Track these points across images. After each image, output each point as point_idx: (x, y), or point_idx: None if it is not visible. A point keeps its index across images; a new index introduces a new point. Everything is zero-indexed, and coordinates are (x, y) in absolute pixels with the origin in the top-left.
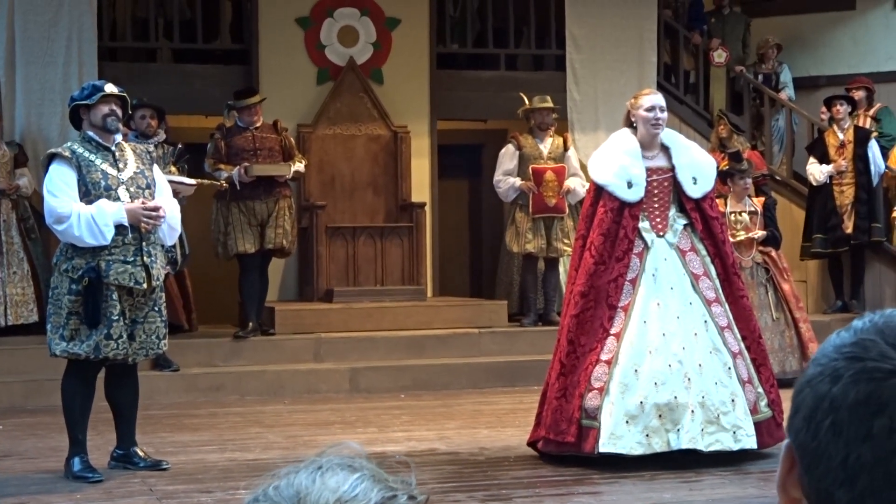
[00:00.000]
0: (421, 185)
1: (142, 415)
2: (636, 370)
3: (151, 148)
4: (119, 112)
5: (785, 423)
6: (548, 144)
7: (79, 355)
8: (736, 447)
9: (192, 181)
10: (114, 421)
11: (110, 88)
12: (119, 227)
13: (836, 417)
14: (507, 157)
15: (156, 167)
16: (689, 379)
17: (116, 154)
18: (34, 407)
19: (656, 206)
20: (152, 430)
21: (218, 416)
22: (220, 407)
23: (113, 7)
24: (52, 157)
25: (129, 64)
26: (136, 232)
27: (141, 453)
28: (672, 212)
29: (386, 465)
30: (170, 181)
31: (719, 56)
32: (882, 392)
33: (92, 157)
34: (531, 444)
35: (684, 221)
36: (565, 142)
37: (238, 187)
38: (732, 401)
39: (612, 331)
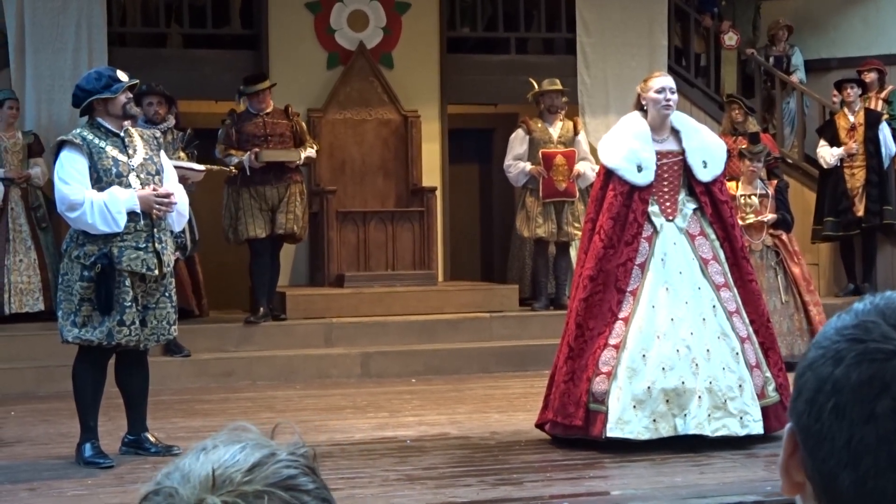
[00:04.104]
0: (431, 169)
1: (153, 400)
2: (644, 355)
3: (158, 133)
4: (132, 97)
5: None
6: (558, 128)
7: (91, 342)
8: (742, 433)
9: (201, 167)
10: (125, 407)
11: (124, 77)
12: (131, 214)
13: (839, 399)
14: (518, 141)
15: (162, 152)
16: (696, 364)
17: (126, 140)
18: (45, 393)
19: (666, 189)
20: (163, 415)
21: (229, 401)
22: (232, 392)
23: None
24: (62, 145)
25: (139, 49)
26: (147, 218)
27: (152, 439)
28: (682, 196)
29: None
30: (179, 167)
31: (730, 39)
32: (884, 373)
33: (102, 144)
34: (538, 426)
35: (694, 205)
36: (575, 126)
37: (248, 173)
38: (740, 386)
39: (621, 315)
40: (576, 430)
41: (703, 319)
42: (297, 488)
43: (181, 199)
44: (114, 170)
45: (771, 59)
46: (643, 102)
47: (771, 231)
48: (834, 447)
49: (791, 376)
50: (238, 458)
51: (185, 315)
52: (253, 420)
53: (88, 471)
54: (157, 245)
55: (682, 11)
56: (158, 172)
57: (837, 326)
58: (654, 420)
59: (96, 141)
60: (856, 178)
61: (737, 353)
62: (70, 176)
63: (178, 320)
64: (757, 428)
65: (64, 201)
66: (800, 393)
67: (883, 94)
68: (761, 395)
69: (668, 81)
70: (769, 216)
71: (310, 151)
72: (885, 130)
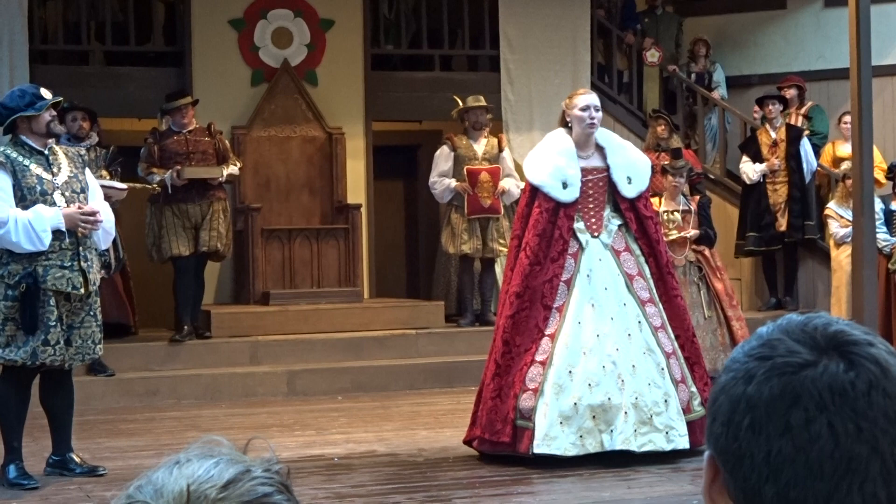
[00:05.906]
0: (356, 186)
1: (78, 420)
2: (570, 371)
3: (83, 151)
4: (55, 115)
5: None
6: (482, 145)
7: (15, 362)
8: (668, 447)
9: (124, 185)
10: (49, 427)
11: (48, 95)
12: (56, 233)
13: (755, 416)
14: (442, 158)
15: (87, 170)
16: (622, 380)
17: (50, 158)
18: None
19: (591, 206)
20: (88, 435)
21: (154, 420)
22: (157, 412)
23: (44, 9)
24: None
25: (61, 67)
26: (72, 237)
27: (77, 459)
28: (607, 212)
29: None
30: (101, 185)
31: (652, 56)
32: (795, 385)
33: (26, 162)
34: (466, 442)
35: (619, 221)
36: (500, 142)
37: (171, 191)
38: (665, 401)
39: (547, 331)
40: (503, 447)
41: (629, 335)
42: None
43: (107, 217)
44: (38, 188)
45: (693, 76)
46: (568, 119)
47: (694, 247)
48: (754, 463)
49: None
50: (213, 474)
51: (124, 330)
52: (179, 439)
53: (13, 492)
54: (82, 263)
55: (604, 28)
56: (83, 190)
57: (745, 350)
58: (581, 436)
59: (20, 159)
60: (778, 193)
61: (662, 369)
62: None
63: (117, 336)
64: (683, 442)
65: None
66: (715, 417)
67: (803, 111)
68: (687, 409)
69: (593, 99)
70: (692, 232)
71: (232, 168)
72: (806, 146)
